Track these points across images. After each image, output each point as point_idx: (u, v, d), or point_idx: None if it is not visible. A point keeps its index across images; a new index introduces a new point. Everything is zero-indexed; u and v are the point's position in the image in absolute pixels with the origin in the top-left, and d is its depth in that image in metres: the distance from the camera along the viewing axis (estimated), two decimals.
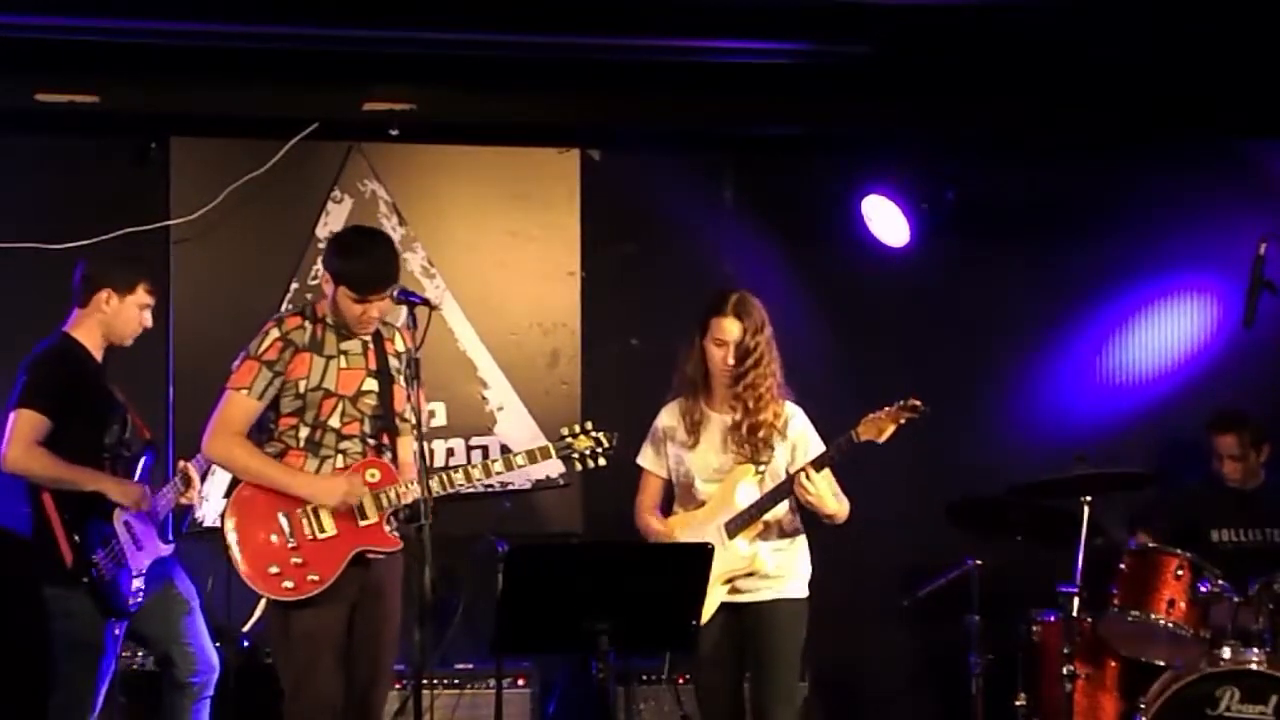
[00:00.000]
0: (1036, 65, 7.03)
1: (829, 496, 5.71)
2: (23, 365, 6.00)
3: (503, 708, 6.48)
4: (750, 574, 5.74)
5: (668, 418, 5.96)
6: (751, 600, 5.78)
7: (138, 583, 5.96)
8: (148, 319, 6.17)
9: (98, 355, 6.10)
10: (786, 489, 5.70)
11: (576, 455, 5.58)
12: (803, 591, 5.85)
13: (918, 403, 5.56)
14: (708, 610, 5.66)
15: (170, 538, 6.18)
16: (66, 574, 5.85)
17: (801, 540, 5.89)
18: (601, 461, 5.61)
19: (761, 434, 5.77)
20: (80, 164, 7.26)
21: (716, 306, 5.81)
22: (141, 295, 6.11)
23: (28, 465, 5.86)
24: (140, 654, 6.49)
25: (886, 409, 5.60)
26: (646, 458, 5.96)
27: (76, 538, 5.87)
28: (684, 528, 5.83)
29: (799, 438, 5.85)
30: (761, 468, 5.79)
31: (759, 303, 5.85)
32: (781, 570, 5.80)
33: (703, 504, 5.84)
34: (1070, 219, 7.75)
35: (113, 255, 6.35)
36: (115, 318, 6.08)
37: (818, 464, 5.67)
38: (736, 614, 5.79)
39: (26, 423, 5.85)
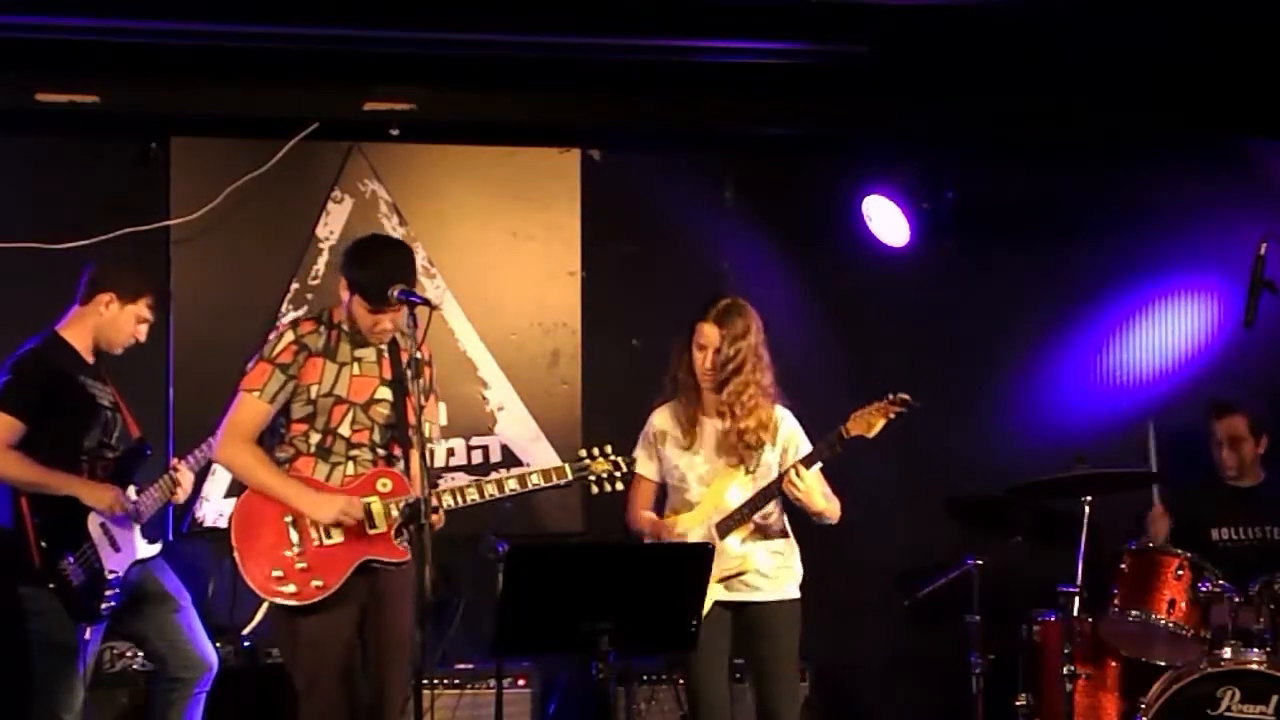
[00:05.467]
0: (1036, 65, 7.03)
1: (817, 494, 5.74)
2: (5, 365, 5.98)
3: (503, 708, 6.47)
4: (742, 573, 5.77)
5: (660, 421, 5.98)
6: (750, 600, 5.82)
7: (111, 588, 5.93)
8: (142, 333, 6.16)
9: (87, 356, 6.08)
10: (775, 488, 5.73)
11: (593, 478, 5.61)
12: (797, 593, 5.90)
13: (906, 396, 5.59)
14: (704, 609, 5.71)
15: (158, 538, 6.15)
16: (35, 575, 5.84)
17: (793, 543, 5.94)
18: (619, 486, 5.65)
19: (747, 439, 5.80)
20: (80, 164, 7.25)
21: (702, 311, 5.83)
22: (142, 308, 6.11)
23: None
24: (139, 654, 6.48)
25: (875, 404, 5.62)
26: (640, 462, 5.96)
27: (44, 543, 5.83)
28: (677, 527, 5.85)
29: (788, 439, 5.89)
30: (752, 470, 5.80)
31: (750, 309, 5.85)
32: (778, 572, 5.85)
33: (694, 506, 5.86)
34: (1070, 219, 7.75)
35: (126, 263, 6.37)
36: (110, 323, 6.07)
37: (807, 461, 5.70)
38: (734, 612, 5.82)
39: (0, 426, 5.84)
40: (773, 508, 5.84)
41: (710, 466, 5.87)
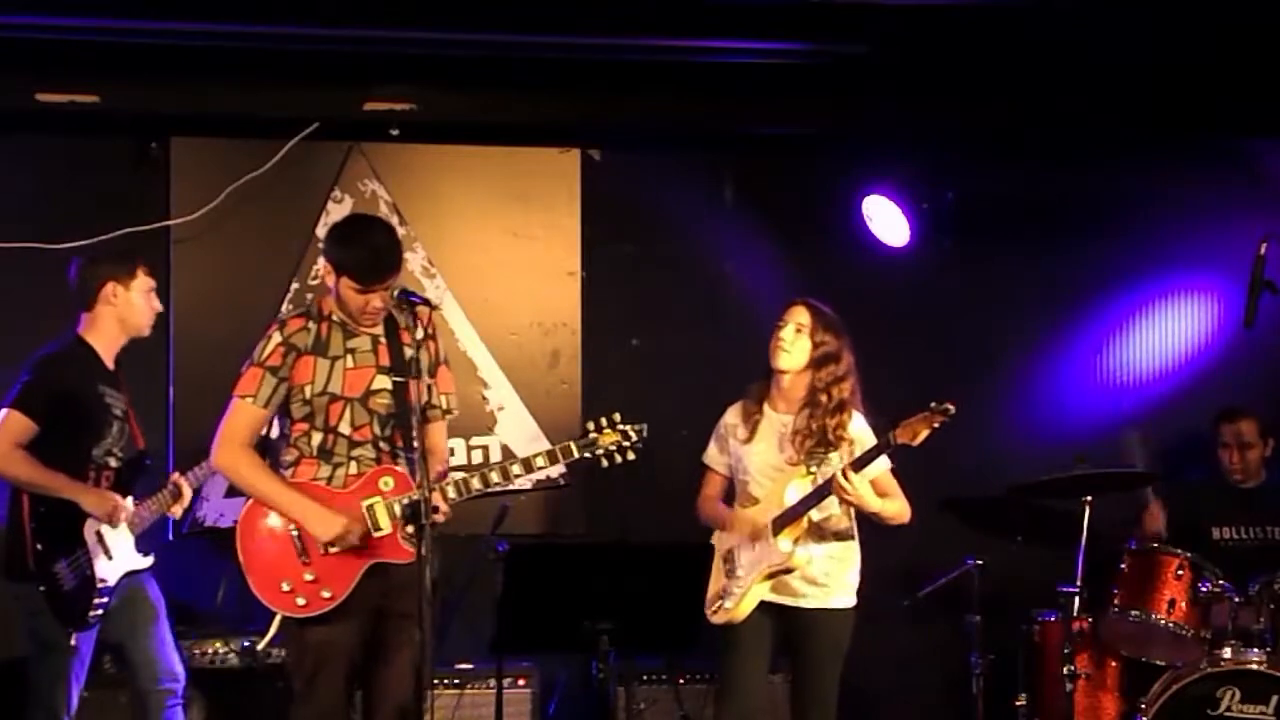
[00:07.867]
0: (1036, 65, 7.03)
1: (870, 498, 5.71)
2: (27, 363, 5.95)
3: (503, 708, 6.47)
4: (788, 570, 5.73)
5: (732, 416, 6.03)
6: (793, 605, 5.81)
7: (100, 597, 5.90)
8: (156, 302, 6.13)
9: (109, 359, 6.04)
10: (827, 489, 5.70)
11: (602, 452, 5.35)
12: (849, 601, 5.89)
13: (949, 406, 5.57)
14: (748, 605, 5.74)
15: (151, 550, 6.11)
16: (30, 575, 5.83)
17: (853, 547, 5.91)
18: (630, 456, 5.35)
19: (829, 438, 5.79)
20: (80, 164, 7.25)
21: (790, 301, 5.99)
22: (143, 279, 6.07)
23: (4, 467, 5.83)
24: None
25: (920, 414, 5.59)
26: (710, 454, 6.05)
27: (39, 545, 5.82)
28: (741, 521, 5.86)
29: (857, 438, 5.85)
30: (813, 470, 5.78)
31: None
32: (829, 579, 5.83)
33: (757, 502, 5.86)
34: (1070, 219, 7.74)
35: (102, 250, 6.34)
36: (127, 308, 6.03)
37: (856, 465, 5.68)
38: (779, 615, 5.82)
39: (11, 424, 5.81)
40: (836, 510, 5.82)
41: (775, 461, 5.87)
